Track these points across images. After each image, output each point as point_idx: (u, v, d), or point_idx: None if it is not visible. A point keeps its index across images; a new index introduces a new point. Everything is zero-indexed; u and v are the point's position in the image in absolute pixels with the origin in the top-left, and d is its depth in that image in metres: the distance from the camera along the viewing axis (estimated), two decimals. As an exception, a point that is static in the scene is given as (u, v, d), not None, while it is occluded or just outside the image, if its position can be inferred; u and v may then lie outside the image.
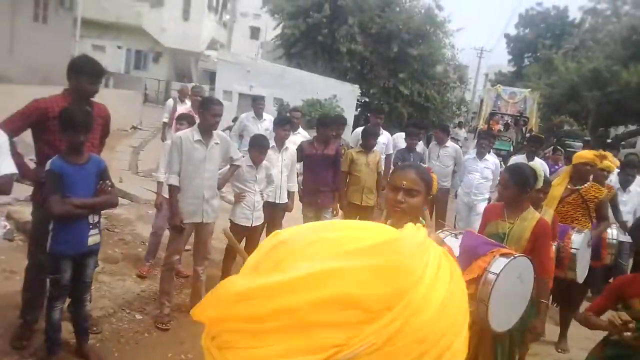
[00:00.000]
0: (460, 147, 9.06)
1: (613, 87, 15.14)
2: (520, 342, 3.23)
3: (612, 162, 5.16)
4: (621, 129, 19.25)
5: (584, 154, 4.66)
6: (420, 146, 7.20)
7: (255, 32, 29.86)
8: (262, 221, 4.64)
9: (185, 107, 7.48)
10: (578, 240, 4.20)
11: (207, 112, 3.91)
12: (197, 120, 4.27)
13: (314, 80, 13.17)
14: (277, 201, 4.89)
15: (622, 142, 18.59)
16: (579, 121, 18.84)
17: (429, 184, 2.13)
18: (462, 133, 18.31)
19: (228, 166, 4.37)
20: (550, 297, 4.46)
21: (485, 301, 2.72)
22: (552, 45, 23.33)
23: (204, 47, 22.96)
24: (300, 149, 5.29)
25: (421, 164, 6.64)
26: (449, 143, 7.59)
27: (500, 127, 15.36)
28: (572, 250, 4.17)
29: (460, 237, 3.04)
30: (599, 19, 21.78)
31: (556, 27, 30.95)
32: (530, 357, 4.31)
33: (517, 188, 3.12)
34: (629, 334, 2.27)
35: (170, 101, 8.41)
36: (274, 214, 4.91)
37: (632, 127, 18.22)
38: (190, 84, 11.06)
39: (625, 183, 5.77)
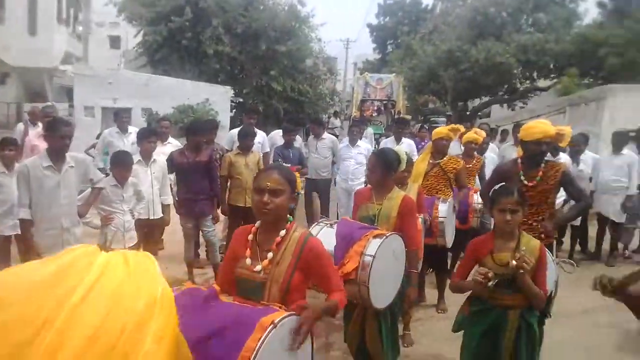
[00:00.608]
0: (337, 135, 9.37)
1: (465, 64, 16.57)
2: (400, 311, 3.41)
3: (478, 133, 5.68)
4: (477, 102, 21.16)
5: (439, 130, 5.04)
6: (298, 141, 7.30)
7: (115, 41, 28.17)
8: (136, 241, 4.38)
9: (37, 130, 6.81)
10: (443, 209, 4.55)
11: (53, 135, 3.59)
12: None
13: (183, 86, 12.72)
14: (151, 217, 4.65)
15: (479, 113, 20.48)
16: (440, 98, 20.38)
17: (293, 182, 2.18)
18: (337, 122, 18.97)
19: (89, 189, 4.06)
20: (426, 264, 4.82)
21: (366, 283, 2.83)
22: (410, 31, 24.98)
23: (57, 62, 21.10)
24: (170, 160, 5.08)
25: (301, 158, 6.78)
26: (326, 135, 7.80)
27: (372, 112, 16.13)
28: (440, 219, 4.50)
29: (335, 226, 3.11)
30: (448, 3, 23.74)
31: (412, 14, 33.24)
32: (414, 322, 4.60)
33: (383, 171, 3.27)
34: (491, 283, 2.48)
35: (20, 125, 7.63)
36: (150, 231, 4.67)
37: (485, 99, 20.12)
38: (45, 103, 10.09)
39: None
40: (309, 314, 1.86)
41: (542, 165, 3.45)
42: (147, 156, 4.70)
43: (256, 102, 14.21)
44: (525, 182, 3.44)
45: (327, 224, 3.22)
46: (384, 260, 2.89)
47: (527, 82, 19.32)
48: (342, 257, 2.86)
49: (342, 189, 7.05)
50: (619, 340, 4.37)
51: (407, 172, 4.23)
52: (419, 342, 4.29)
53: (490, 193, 2.76)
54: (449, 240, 4.59)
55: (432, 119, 19.70)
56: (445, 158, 4.96)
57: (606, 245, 7.15)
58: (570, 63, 16.34)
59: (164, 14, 14.35)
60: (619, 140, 6.90)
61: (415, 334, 4.43)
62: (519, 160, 3.57)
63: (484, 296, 2.61)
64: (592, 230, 7.29)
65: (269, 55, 14.80)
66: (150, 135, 4.86)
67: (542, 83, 18.97)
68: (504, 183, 2.87)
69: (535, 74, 18.74)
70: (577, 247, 7.28)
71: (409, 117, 18.32)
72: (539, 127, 3.42)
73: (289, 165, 6.27)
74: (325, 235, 3.10)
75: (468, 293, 2.80)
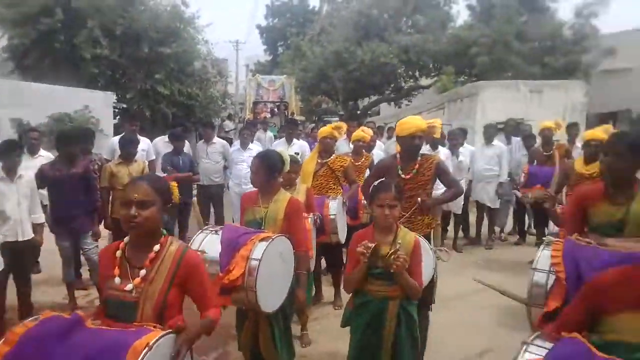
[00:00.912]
0: (232, 139, 9.19)
1: (352, 65, 17.13)
2: (292, 313, 3.42)
3: (365, 131, 5.85)
4: (367, 101, 21.99)
5: (324, 130, 5.14)
6: (187, 147, 7.06)
7: (-24, 46, 25.22)
8: (1, 267, 3.92)
9: None
10: (334, 206, 4.64)
11: None
12: None
13: (58, 93, 11.69)
14: (19, 239, 4.20)
15: (369, 112, 21.31)
16: (332, 99, 20.89)
17: (165, 192, 2.06)
18: (231, 125, 18.71)
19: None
20: (317, 263, 4.89)
21: (253, 288, 2.77)
22: (298, 33, 25.27)
23: None
24: (39, 174, 4.64)
25: (192, 165, 6.56)
26: (216, 139, 7.63)
27: (266, 114, 16.10)
28: (331, 216, 4.58)
29: (220, 232, 3.03)
30: (334, 5, 24.38)
31: (299, 16, 33.67)
32: (312, 321, 4.64)
33: (266, 173, 3.24)
34: (367, 251, 2.55)
35: None
36: (20, 254, 4.22)
37: (373, 98, 20.98)
38: None
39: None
40: (186, 337, 1.80)
41: (418, 158, 3.63)
42: (10, 172, 4.23)
43: (142, 108, 13.50)
44: (403, 175, 3.60)
45: (212, 230, 3.13)
46: (271, 264, 2.86)
47: (411, 80, 20.47)
48: (227, 263, 2.79)
49: (235, 194, 6.93)
50: (499, 318, 4.73)
51: (295, 173, 4.26)
52: (316, 341, 4.32)
53: (370, 189, 2.85)
54: (342, 236, 4.70)
55: (326, 119, 20.15)
56: (332, 157, 5.06)
57: (486, 229, 7.77)
58: (447, 62, 17.58)
59: (31, 15, 13.10)
60: (489, 133, 7.52)
61: (313, 333, 4.45)
62: (397, 155, 3.73)
63: (365, 286, 2.69)
64: (473, 217, 7.89)
65: (153, 58, 14.12)
66: (11, 150, 4.37)
67: (424, 81, 20.20)
68: (382, 179, 2.97)
69: (417, 73, 19.90)
70: (461, 234, 7.83)
71: (302, 117, 18.57)
72: (412, 122, 3.59)
73: (180, 173, 6.05)
74: (210, 243, 3.00)
75: None
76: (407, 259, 2.56)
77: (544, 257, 2.49)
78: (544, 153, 6.62)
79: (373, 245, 2.59)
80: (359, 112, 20.57)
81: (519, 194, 6.81)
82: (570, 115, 11.12)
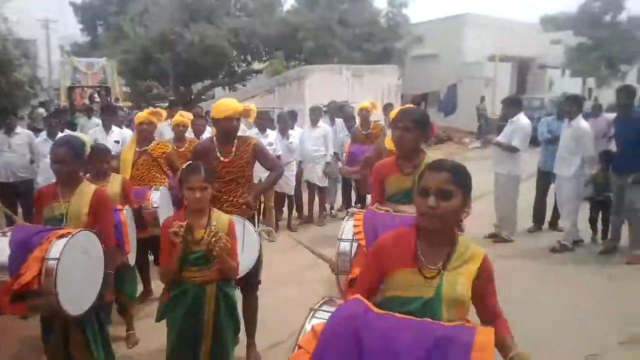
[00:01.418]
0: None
1: (180, 47, 16.43)
2: (108, 312, 3.20)
3: (185, 116, 5.61)
4: (200, 86, 21.36)
5: (139, 115, 4.83)
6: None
7: None
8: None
9: None
10: (156, 197, 4.39)
11: None
12: None
13: None
14: None
15: (203, 97, 20.75)
16: (162, 83, 19.87)
17: None
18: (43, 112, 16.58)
19: None
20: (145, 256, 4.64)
21: (53, 291, 2.48)
22: (119, 12, 23.33)
23: None
24: None
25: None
26: (20, 129, 6.76)
27: (85, 100, 14.64)
28: (154, 208, 4.34)
29: (9, 233, 2.66)
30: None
31: (118, -8, 31.02)
32: (142, 318, 4.42)
33: (69, 162, 2.91)
34: (181, 230, 2.49)
35: None
36: None
37: (207, 82, 20.47)
38: None
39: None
40: None
41: (235, 141, 3.61)
42: None
43: None
44: (222, 158, 3.55)
45: (0, 232, 2.73)
46: (73, 262, 2.59)
47: (244, 65, 20.40)
48: (18, 268, 2.45)
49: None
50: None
51: (106, 163, 3.94)
52: (145, 340, 4.08)
53: (180, 172, 2.76)
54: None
55: (157, 105, 19.04)
56: (152, 144, 4.78)
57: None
58: (277, 46, 17.87)
59: None
60: (315, 115, 7.84)
61: (142, 331, 4.20)
62: (214, 138, 3.66)
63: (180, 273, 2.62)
64: (306, 197, 8.20)
65: None
66: None
67: (257, 66, 20.29)
68: (191, 162, 2.89)
69: (249, 57, 19.90)
70: (295, 214, 8.08)
71: (129, 103, 17.28)
72: (228, 104, 3.55)
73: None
74: (-2, 247, 2.62)
75: None
76: (228, 240, 2.54)
77: (348, 227, 2.67)
78: (363, 132, 7.13)
79: (185, 223, 2.52)
80: (192, 97, 19.90)
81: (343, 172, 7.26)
82: (387, 96, 12.18)
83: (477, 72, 20.35)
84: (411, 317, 1.62)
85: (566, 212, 6.16)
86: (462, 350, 1.39)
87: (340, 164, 7.79)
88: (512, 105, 6.78)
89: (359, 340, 1.44)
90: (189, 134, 5.92)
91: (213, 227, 2.55)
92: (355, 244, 2.60)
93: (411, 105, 4.51)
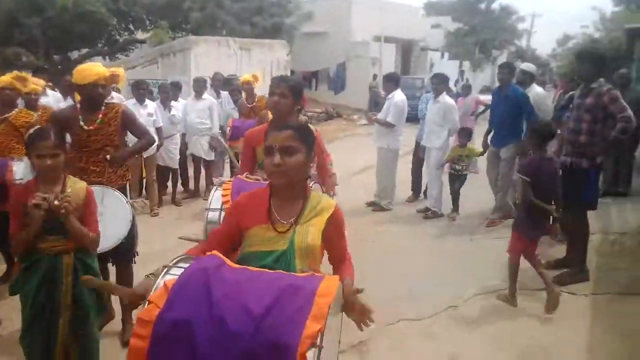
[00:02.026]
0: None
1: (51, 11, 14.95)
2: None
3: (36, 83, 5.12)
4: (77, 54, 19.64)
5: (1, 79, 4.38)
6: None
7: None
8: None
9: None
10: (20, 169, 4.01)
11: None
12: None
13: None
14: None
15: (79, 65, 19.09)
16: (31, 50, 17.95)
17: None
18: None
19: None
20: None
21: None
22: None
23: None
24: None
25: None
26: None
27: None
28: (17, 181, 3.99)
29: None
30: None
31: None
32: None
33: None
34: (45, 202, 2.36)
35: None
36: None
37: (84, 51, 18.89)
38: None
39: None
40: None
41: (102, 108, 3.42)
42: None
43: None
44: (85, 126, 3.35)
45: None
46: None
47: (126, 34, 19.06)
48: None
49: None
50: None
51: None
52: (10, 319, 3.81)
53: (26, 138, 2.57)
54: None
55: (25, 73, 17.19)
56: (14, 111, 4.37)
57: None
58: (161, 16, 16.94)
59: None
60: (199, 86, 7.61)
61: (9, 310, 3.90)
62: (78, 105, 3.44)
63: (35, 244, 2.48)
64: (191, 170, 8.02)
65: None
66: None
67: (140, 35, 19.08)
68: (39, 127, 2.70)
69: (132, 26, 18.65)
70: (180, 188, 7.87)
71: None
72: (93, 69, 3.35)
73: None
74: None
75: None
76: (72, 201, 2.43)
77: (216, 197, 2.70)
78: (247, 105, 7.09)
79: (49, 195, 2.37)
80: (67, 66, 18.23)
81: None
82: (276, 71, 12.20)
83: (364, 52, 21.04)
84: (265, 269, 1.69)
85: (433, 180, 6.67)
86: (307, 294, 1.48)
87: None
88: (389, 81, 7.14)
89: (209, 291, 1.48)
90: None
91: (68, 193, 2.44)
92: (223, 213, 2.63)
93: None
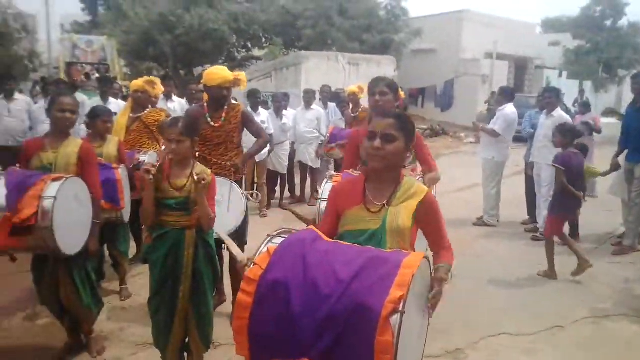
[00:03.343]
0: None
1: (180, 30, 16.49)
2: (94, 262, 3.37)
3: (159, 87, 5.71)
4: (200, 70, 21.40)
5: (135, 83, 4.99)
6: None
7: None
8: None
9: None
10: (145, 159, 4.49)
11: None
12: None
13: None
14: None
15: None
16: (162, 65, 19.91)
17: None
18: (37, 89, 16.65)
19: None
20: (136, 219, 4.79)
21: (50, 226, 2.68)
22: (121, -8, 23.36)
23: None
24: None
25: None
26: (19, 95, 7.15)
27: (82, 77, 14.69)
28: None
29: (3, 176, 2.85)
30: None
31: (123, -26, 30.87)
32: (134, 276, 4.66)
33: (75, 112, 3.19)
34: (152, 168, 2.71)
35: None
36: None
37: (207, 67, 20.51)
38: None
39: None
40: None
41: (225, 107, 3.79)
42: None
43: None
44: (212, 123, 3.73)
45: (-4, 175, 2.91)
46: (66, 204, 2.78)
47: (244, 51, 20.47)
48: (15, 203, 2.63)
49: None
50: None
51: (110, 123, 4.15)
52: (138, 294, 4.32)
53: (161, 126, 2.95)
54: None
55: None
56: (146, 111, 4.94)
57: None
58: (276, 33, 17.95)
59: None
60: (308, 97, 8.00)
61: (134, 287, 4.45)
62: (205, 104, 3.83)
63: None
64: (298, 178, 8.37)
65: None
66: None
67: (256, 53, 20.38)
68: (174, 117, 3.09)
69: (249, 44, 19.96)
70: (287, 194, 8.24)
71: (127, 83, 17.33)
72: (219, 73, 3.72)
73: None
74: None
75: None
76: (209, 180, 2.73)
77: (327, 188, 2.87)
78: (352, 115, 7.31)
79: (158, 163, 2.73)
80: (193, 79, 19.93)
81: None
82: (382, 86, 12.29)
83: (474, 69, 20.50)
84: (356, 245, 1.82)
85: (543, 199, 6.32)
86: (393, 265, 1.58)
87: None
88: (502, 94, 6.98)
89: (304, 258, 1.64)
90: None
91: (197, 174, 2.74)
92: None
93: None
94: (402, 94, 3.71)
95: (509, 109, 6.64)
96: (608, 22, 32.42)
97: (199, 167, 2.90)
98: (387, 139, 1.93)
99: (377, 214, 1.97)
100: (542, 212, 6.37)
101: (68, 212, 2.80)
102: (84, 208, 3.00)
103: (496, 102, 7.31)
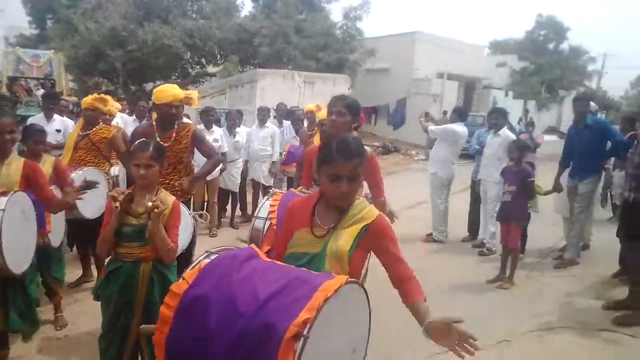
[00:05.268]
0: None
1: (133, 45, 16.18)
2: (34, 282, 3.21)
3: (112, 105, 5.58)
4: (152, 85, 21.03)
5: (85, 101, 4.87)
6: None
7: None
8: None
9: None
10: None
11: None
12: None
13: None
14: None
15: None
16: (112, 81, 19.45)
17: None
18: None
19: None
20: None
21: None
22: (70, 6, 22.71)
23: None
24: None
25: None
26: None
27: (23, 91, 14.09)
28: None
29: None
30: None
31: (73, -13, 30.05)
32: (72, 303, 4.41)
33: (9, 133, 3.06)
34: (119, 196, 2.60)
35: None
36: None
37: (159, 83, 20.20)
38: None
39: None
40: None
41: (175, 127, 3.72)
42: None
43: None
44: (161, 143, 3.65)
45: None
46: (14, 219, 2.68)
47: (198, 67, 20.29)
48: None
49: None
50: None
51: (42, 144, 3.96)
52: (76, 323, 4.09)
53: (131, 148, 2.87)
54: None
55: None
56: (95, 128, 4.81)
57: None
58: (232, 50, 17.90)
59: None
60: (263, 115, 7.99)
61: (75, 314, 4.23)
62: (154, 123, 3.76)
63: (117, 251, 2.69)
64: (250, 196, 8.29)
65: None
66: None
67: (211, 69, 20.25)
68: (143, 139, 2.99)
69: (203, 60, 19.82)
70: (239, 212, 8.16)
71: (75, 99, 16.81)
72: (169, 90, 3.67)
73: None
74: None
75: None
76: (166, 207, 2.64)
77: (265, 206, 2.85)
78: (308, 132, 7.35)
79: (127, 190, 2.63)
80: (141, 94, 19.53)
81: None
82: (337, 104, 12.46)
83: (425, 88, 21.11)
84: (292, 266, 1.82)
85: (490, 216, 6.53)
86: (310, 288, 1.56)
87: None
88: (456, 113, 7.25)
89: (230, 274, 1.64)
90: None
91: (154, 199, 2.63)
92: (268, 223, 2.77)
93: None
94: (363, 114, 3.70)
95: (459, 127, 6.88)
96: (551, 45, 34.28)
97: (163, 194, 2.79)
98: (353, 178, 1.92)
99: (322, 238, 1.95)
100: (489, 228, 6.59)
101: (15, 228, 2.70)
102: (29, 223, 2.89)
103: (450, 120, 7.58)
